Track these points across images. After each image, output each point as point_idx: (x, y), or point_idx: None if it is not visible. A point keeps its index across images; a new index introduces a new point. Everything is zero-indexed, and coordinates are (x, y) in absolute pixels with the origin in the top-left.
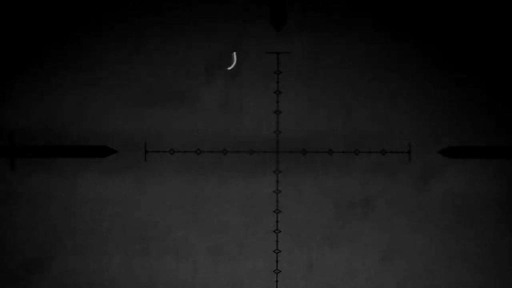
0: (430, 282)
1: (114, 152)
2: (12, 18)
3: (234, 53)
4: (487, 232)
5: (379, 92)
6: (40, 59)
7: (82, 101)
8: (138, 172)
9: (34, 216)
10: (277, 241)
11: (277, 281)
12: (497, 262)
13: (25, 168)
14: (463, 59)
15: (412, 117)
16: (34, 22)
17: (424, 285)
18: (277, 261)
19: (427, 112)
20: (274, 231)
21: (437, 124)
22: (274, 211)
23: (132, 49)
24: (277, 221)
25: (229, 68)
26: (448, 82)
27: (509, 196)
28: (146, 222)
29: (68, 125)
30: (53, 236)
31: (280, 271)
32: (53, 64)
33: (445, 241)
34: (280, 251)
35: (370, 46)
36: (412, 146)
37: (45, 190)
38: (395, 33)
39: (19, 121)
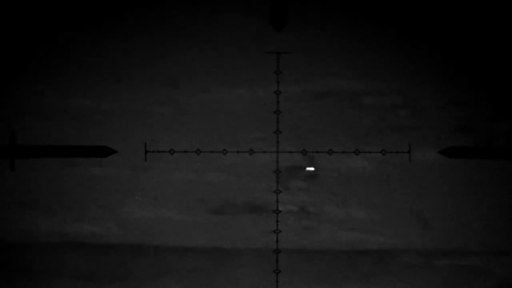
0: None
1: (114, 152)
2: (12, 18)
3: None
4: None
5: (378, 92)
6: (40, 59)
7: (82, 101)
8: (138, 172)
9: (33, 215)
10: (277, 241)
11: (277, 281)
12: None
13: (25, 168)
14: (463, 59)
15: (412, 117)
16: (34, 22)
17: None
18: (277, 261)
19: (428, 112)
20: (274, 231)
21: (437, 123)
22: (274, 211)
23: (132, 49)
24: (277, 221)
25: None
26: (448, 82)
27: (509, 196)
28: (146, 220)
29: (68, 125)
30: (53, 235)
31: (280, 271)
32: (54, 64)
33: None
34: (280, 251)
35: (369, 46)
36: (412, 146)
37: (45, 189)
38: (395, 33)
39: (19, 121)
